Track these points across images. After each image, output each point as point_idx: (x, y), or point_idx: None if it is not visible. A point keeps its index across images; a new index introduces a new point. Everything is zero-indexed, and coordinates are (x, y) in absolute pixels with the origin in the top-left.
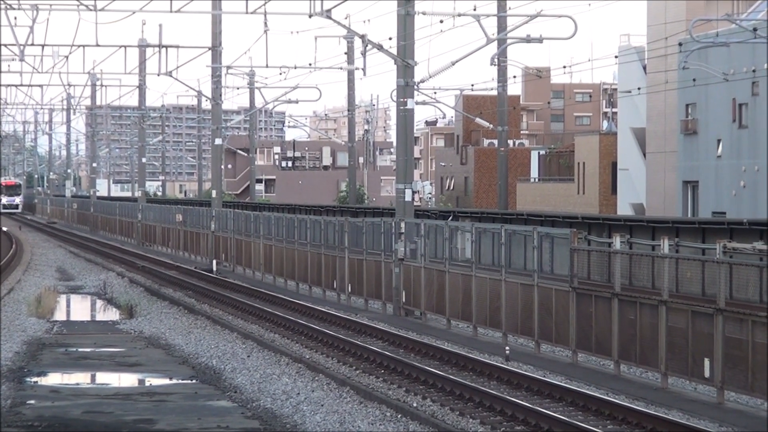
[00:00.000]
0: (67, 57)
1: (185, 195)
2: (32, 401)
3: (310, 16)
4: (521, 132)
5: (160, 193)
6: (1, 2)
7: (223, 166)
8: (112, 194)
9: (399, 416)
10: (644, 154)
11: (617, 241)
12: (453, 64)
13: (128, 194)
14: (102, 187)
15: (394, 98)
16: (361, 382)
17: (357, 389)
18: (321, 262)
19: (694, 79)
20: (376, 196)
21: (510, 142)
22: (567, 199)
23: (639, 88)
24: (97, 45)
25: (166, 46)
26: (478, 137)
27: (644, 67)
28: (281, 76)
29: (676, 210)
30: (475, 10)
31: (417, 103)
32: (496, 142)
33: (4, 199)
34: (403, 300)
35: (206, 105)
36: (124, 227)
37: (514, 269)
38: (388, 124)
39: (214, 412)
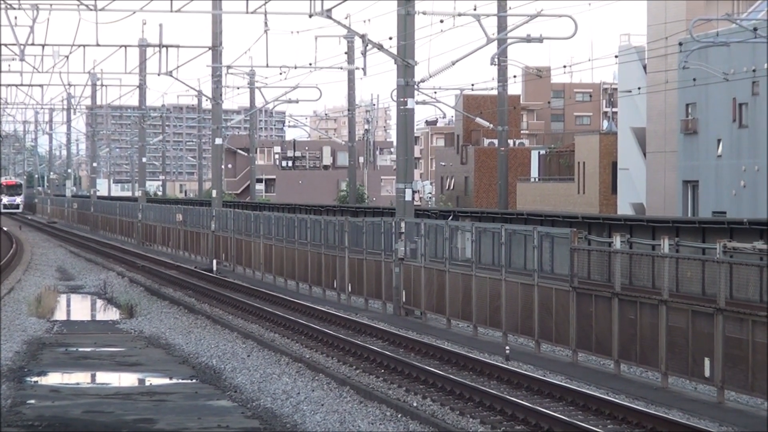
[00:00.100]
0: (67, 57)
1: (185, 195)
2: (32, 401)
3: (311, 16)
4: (521, 132)
5: (160, 193)
6: (2, 2)
7: (223, 166)
8: (113, 194)
9: (399, 416)
10: (644, 154)
11: (617, 241)
12: (453, 63)
13: (128, 194)
14: (102, 187)
15: (395, 98)
16: (361, 381)
17: (357, 389)
18: (321, 261)
19: (694, 79)
20: (377, 195)
21: (510, 141)
22: (567, 198)
23: (639, 88)
24: (98, 45)
25: (167, 46)
26: (478, 137)
27: (644, 67)
28: (281, 76)
29: (677, 210)
30: (475, 9)
31: (417, 102)
32: (496, 141)
33: (5, 199)
34: (403, 300)
35: (206, 105)
36: (125, 227)
37: (514, 269)
38: (389, 124)
39: (214, 412)
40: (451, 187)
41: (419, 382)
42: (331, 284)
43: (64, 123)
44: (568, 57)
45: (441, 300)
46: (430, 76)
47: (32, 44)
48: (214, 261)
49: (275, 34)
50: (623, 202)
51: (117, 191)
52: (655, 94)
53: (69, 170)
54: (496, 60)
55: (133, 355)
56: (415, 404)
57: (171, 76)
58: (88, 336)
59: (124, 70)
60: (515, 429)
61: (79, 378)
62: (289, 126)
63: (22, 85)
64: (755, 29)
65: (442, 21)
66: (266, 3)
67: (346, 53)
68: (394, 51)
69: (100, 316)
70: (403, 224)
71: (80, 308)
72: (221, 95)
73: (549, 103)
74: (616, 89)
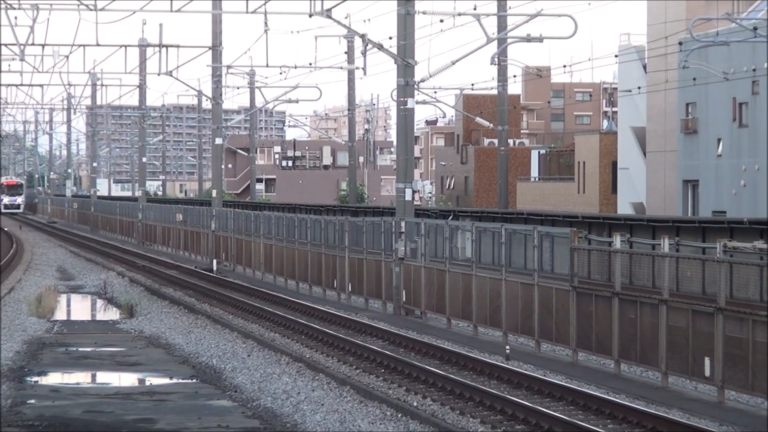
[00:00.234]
0: (67, 57)
1: (185, 194)
2: (32, 401)
3: (311, 16)
4: (521, 131)
5: (160, 193)
6: (2, 2)
7: (223, 166)
8: (113, 194)
9: (399, 415)
10: (644, 153)
11: (617, 241)
12: (453, 63)
13: (129, 194)
14: (102, 187)
15: (395, 98)
16: (361, 381)
17: (357, 388)
18: (321, 261)
19: (694, 78)
20: (377, 195)
21: (510, 141)
22: (567, 198)
23: (639, 88)
24: (98, 45)
25: (167, 46)
26: (478, 136)
27: (644, 67)
28: (281, 76)
29: (677, 209)
30: (475, 9)
31: (417, 102)
32: (496, 141)
33: (6, 199)
34: (404, 299)
35: (207, 104)
36: (125, 227)
37: (514, 268)
38: (389, 124)
39: (214, 412)
40: (451, 187)
41: (419, 382)
42: (331, 284)
43: (64, 123)
44: (568, 56)
45: (441, 300)
46: (430, 76)
47: (32, 44)
48: (215, 261)
49: (275, 33)
50: (623, 201)
51: (117, 191)
52: (655, 93)
53: (69, 170)
54: (496, 60)
55: (133, 354)
56: (415, 404)
57: (171, 76)
58: (88, 336)
59: (124, 70)
60: (515, 429)
61: (80, 378)
62: (289, 126)
63: (22, 85)
64: (755, 29)
65: (442, 21)
66: (266, 3)
67: (346, 53)
68: (394, 51)
69: (100, 316)
70: (403, 224)
71: (80, 308)
72: (221, 95)
73: (549, 102)
74: (616, 89)
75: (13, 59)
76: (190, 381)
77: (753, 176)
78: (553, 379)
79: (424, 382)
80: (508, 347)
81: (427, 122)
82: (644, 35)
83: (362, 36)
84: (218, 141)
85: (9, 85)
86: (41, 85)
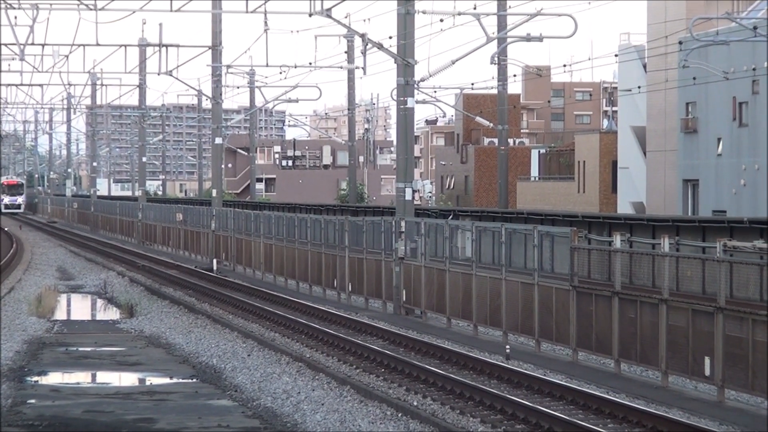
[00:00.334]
0: (67, 56)
1: (185, 194)
2: (33, 400)
3: (311, 15)
4: (521, 131)
5: (160, 193)
6: (2, 1)
7: (223, 166)
8: (113, 194)
9: (399, 415)
10: (644, 153)
11: (617, 240)
12: (453, 62)
13: (128, 194)
14: (102, 187)
15: (395, 97)
16: (361, 380)
17: (357, 388)
18: (321, 261)
19: (694, 78)
20: (377, 195)
21: (510, 140)
22: (567, 197)
23: (639, 87)
24: (98, 44)
25: (167, 46)
26: (478, 136)
27: (644, 66)
28: (281, 75)
29: (677, 208)
30: (475, 8)
31: (417, 102)
32: (496, 140)
33: (6, 199)
34: (404, 299)
35: (206, 104)
36: (125, 227)
37: (514, 268)
38: (389, 123)
39: (214, 411)
40: (451, 187)
41: (419, 382)
42: (332, 283)
43: (64, 123)
44: (568, 56)
45: (441, 299)
46: (430, 75)
47: (32, 44)
48: (215, 260)
49: (275, 33)
50: (623, 201)
51: (117, 191)
52: (655, 92)
53: (69, 170)
54: (496, 59)
55: (133, 354)
56: (415, 403)
57: (171, 75)
58: (88, 335)
59: (124, 70)
60: (515, 428)
61: (80, 378)
62: (289, 125)
63: (22, 84)
64: (755, 28)
65: (442, 20)
66: (266, 2)
67: (345, 52)
68: (394, 50)
69: (100, 316)
70: (403, 223)
71: (80, 308)
72: (221, 95)
73: (549, 102)
74: (616, 88)
75: (13, 59)
76: (190, 381)
77: (753, 176)
78: (553, 379)
79: (425, 382)
80: (508, 347)
81: (427, 122)
82: (644, 34)
83: (362, 35)
84: (218, 140)
85: (9, 84)
86: (41, 85)
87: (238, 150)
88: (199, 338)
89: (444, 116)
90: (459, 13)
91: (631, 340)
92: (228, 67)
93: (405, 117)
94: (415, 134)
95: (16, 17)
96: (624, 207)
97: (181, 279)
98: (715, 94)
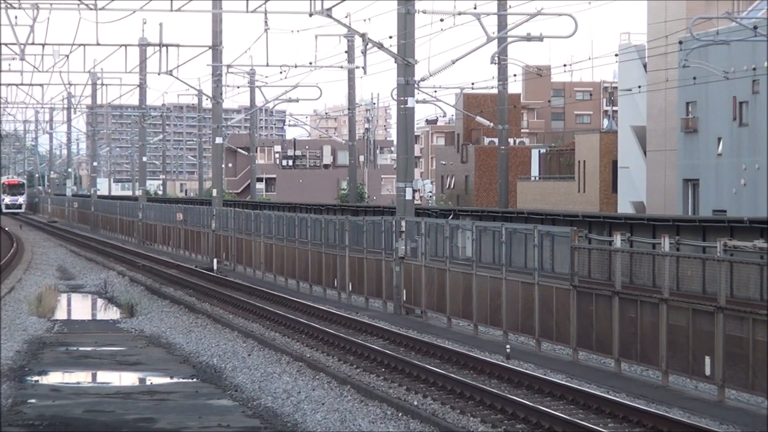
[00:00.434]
0: (67, 56)
1: (186, 194)
2: (33, 400)
3: (311, 15)
4: (522, 130)
5: (160, 192)
6: (2, 1)
7: (223, 165)
8: (113, 193)
9: (400, 415)
10: (645, 152)
11: (618, 240)
12: (453, 62)
13: (129, 193)
14: (103, 186)
15: (395, 97)
16: (361, 380)
17: (358, 388)
18: (321, 260)
19: (694, 78)
20: (377, 194)
21: (510, 140)
22: (567, 197)
23: (639, 87)
24: (98, 44)
25: (167, 45)
26: (478, 136)
27: (644, 66)
28: (282, 75)
29: (677, 208)
30: (475, 8)
31: (417, 101)
32: (496, 140)
33: (7, 199)
34: (404, 298)
35: (207, 104)
36: (125, 226)
37: (514, 267)
38: (389, 123)
39: (214, 411)
40: (452, 186)
41: (420, 381)
42: (332, 283)
43: (65, 122)
44: (569, 56)
45: (441, 299)
46: (431, 75)
47: (32, 43)
48: (215, 260)
49: (275, 33)
50: (623, 200)
51: (117, 190)
52: (655, 92)
53: (69, 169)
54: (496, 59)
55: (133, 354)
56: (415, 403)
57: (171, 75)
58: (88, 335)
59: (125, 70)
60: (516, 428)
61: (80, 377)
62: (290, 125)
63: (22, 84)
64: (755, 28)
65: (442, 20)
66: (266, 2)
67: (346, 52)
68: (395, 50)
69: (100, 316)
70: (403, 223)
71: (81, 307)
72: (221, 94)
73: (549, 101)
74: (616, 88)
75: (14, 59)
76: (190, 380)
77: (753, 175)
78: (554, 378)
79: (425, 382)
80: (508, 346)
81: (428, 121)
82: (644, 34)
83: (362, 35)
84: (218, 140)
85: (9, 84)
86: (41, 85)
87: (239, 150)
88: (199, 338)
89: (444, 116)
90: (459, 13)
91: (632, 339)
92: (228, 66)
93: (405, 117)
94: (416, 134)
95: (16, 17)
96: (624, 207)
97: (181, 279)
98: (716, 94)
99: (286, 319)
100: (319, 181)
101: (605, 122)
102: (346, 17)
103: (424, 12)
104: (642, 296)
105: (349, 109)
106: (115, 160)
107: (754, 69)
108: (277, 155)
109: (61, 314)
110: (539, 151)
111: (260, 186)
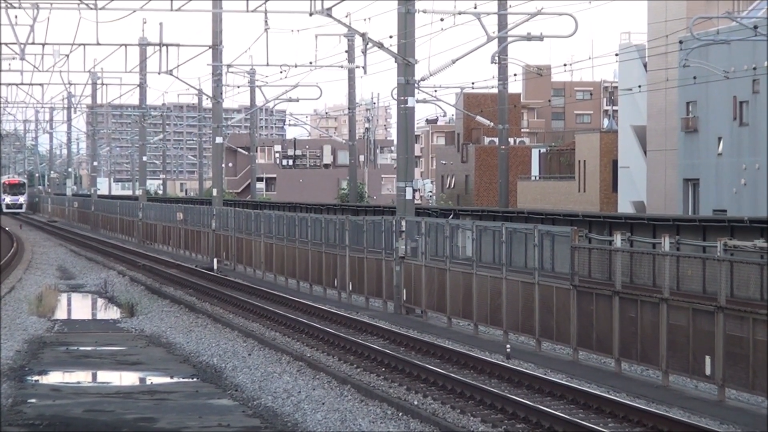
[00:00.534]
0: (67, 56)
1: (186, 193)
2: (33, 400)
3: (311, 15)
4: (522, 130)
5: (160, 192)
6: (2, 1)
7: (223, 165)
8: (113, 193)
9: (400, 414)
10: (645, 152)
11: (618, 239)
12: (453, 62)
13: (129, 193)
14: (103, 186)
15: (395, 96)
16: (362, 380)
17: (358, 387)
18: (322, 260)
19: (694, 77)
20: (377, 194)
21: (511, 140)
22: (568, 197)
23: (639, 86)
24: (98, 43)
25: (167, 45)
26: (478, 135)
27: (645, 65)
28: (282, 75)
29: (677, 208)
30: (475, 8)
31: (417, 101)
32: (496, 140)
33: (8, 199)
34: (404, 298)
35: (207, 103)
36: (125, 226)
37: (514, 267)
38: (389, 123)
39: (215, 411)
40: (452, 186)
41: (420, 381)
42: (332, 283)
43: (65, 122)
44: (569, 55)
45: (442, 298)
46: (431, 75)
47: (33, 43)
48: (215, 260)
49: (275, 32)
50: (624, 200)
51: (117, 190)
52: (655, 92)
53: (69, 169)
54: (496, 58)
55: (133, 354)
56: (416, 403)
57: (171, 74)
58: (88, 335)
59: (125, 69)
60: (516, 427)
61: (80, 377)
62: (290, 125)
63: (22, 84)
64: (755, 27)
65: (442, 19)
66: (266, 1)
67: (346, 52)
68: (395, 49)
69: (100, 315)
70: (403, 223)
71: (81, 307)
72: (222, 94)
73: (549, 101)
74: (616, 87)
75: (14, 58)
76: (190, 380)
77: (753, 175)
78: (554, 378)
79: (425, 381)
80: (508, 346)
81: (428, 121)
82: (645, 34)
83: (362, 35)
84: (219, 140)
85: (9, 84)
86: (41, 84)
87: (239, 149)
88: (199, 337)
89: (444, 115)
90: (459, 13)
91: (632, 339)
92: (228, 66)
93: (405, 116)
94: (416, 133)
95: (16, 16)
96: (624, 206)
97: (181, 278)
98: (716, 94)
99: (287, 319)
100: (320, 180)
101: (605, 122)
102: (346, 17)
103: (425, 11)
104: (642, 296)
105: (349, 108)
106: (115, 159)
107: (755, 69)
108: (277, 155)
109: (61, 314)
110: (539, 150)
111: (260, 186)
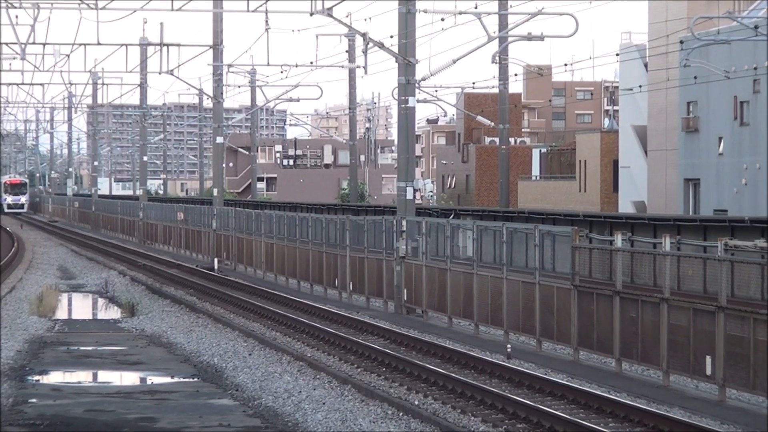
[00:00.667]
0: (68, 55)
1: (187, 193)
2: (34, 400)
3: (312, 15)
4: (522, 130)
5: (161, 192)
6: (3, 1)
7: (224, 165)
8: (114, 193)
9: (400, 414)
10: (645, 152)
11: (619, 239)
12: (454, 62)
13: (130, 193)
14: (103, 186)
15: (396, 96)
16: (362, 380)
17: (358, 387)
18: (322, 260)
19: (695, 77)
20: (378, 194)
21: (511, 140)
22: (568, 196)
23: (640, 86)
24: (99, 43)
25: (168, 45)
26: (479, 135)
27: (645, 65)
28: (282, 75)
29: (678, 208)
30: (476, 8)
31: (418, 101)
32: (497, 140)
33: (9, 198)
34: (405, 298)
35: (207, 103)
36: (126, 226)
37: (515, 267)
38: (390, 122)
39: (215, 411)
40: (453, 186)
41: (421, 381)
42: (333, 283)
43: (65, 122)
44: (569, 55)
45: (442, 298)
46: (431, 75)
47: (33, 43)
48: (216, 260)
49: (276, 32)
50: (624, 200)
51: (118, 190)
52: (656, 92)
53: (70, 169)
54: (497, 58)
55: (134, 353)
56: (416, 403)
57: (172, 74)
58: (89, 335)
59: (125, 69)
60: (517, 427)
61: (81, 377)
62: (290, 124)
63: (23, 84)
64: (756, 27)
65: (443, 19)
66: (267, 1)
67: (347, 52)
68: (395, 49)
69: (101, 315)
70: (404, 223)
71: (81, 307)
72: (222, 94)
73: (550, 101)
74: (617, 87)
75: (14, 58)
76: (191, 380)
77: (754, 175)
78: (555, 378)
79: (426, 381)
80: (509, 346)
81: (428, 121)
82: (645, 34)
83: (363, 35)
84: (219, 140)
85: (10, 84)
86: (42, 84)
87: (240, 149)
88: (200, 337)
89: (445, 115)
90: (460, 12)
91: (633, 339)
92: (229, 66)
93: (406, 116)
94: (416, 133)
95: (17, 16)
96: (625, 206)
97: (182, 278)
98: (716, 94)
99: (287, 319)
100: (320, 180)
101: (606, 122)
102: (347, 17)
103: (425, 11)
104: (643, 296)
105: (349, 108)
106: (115, 159)
107: (755, 68)
108: (277, 155)
109: (61, 314)
110: (540, 150)
111: (261, 185)
